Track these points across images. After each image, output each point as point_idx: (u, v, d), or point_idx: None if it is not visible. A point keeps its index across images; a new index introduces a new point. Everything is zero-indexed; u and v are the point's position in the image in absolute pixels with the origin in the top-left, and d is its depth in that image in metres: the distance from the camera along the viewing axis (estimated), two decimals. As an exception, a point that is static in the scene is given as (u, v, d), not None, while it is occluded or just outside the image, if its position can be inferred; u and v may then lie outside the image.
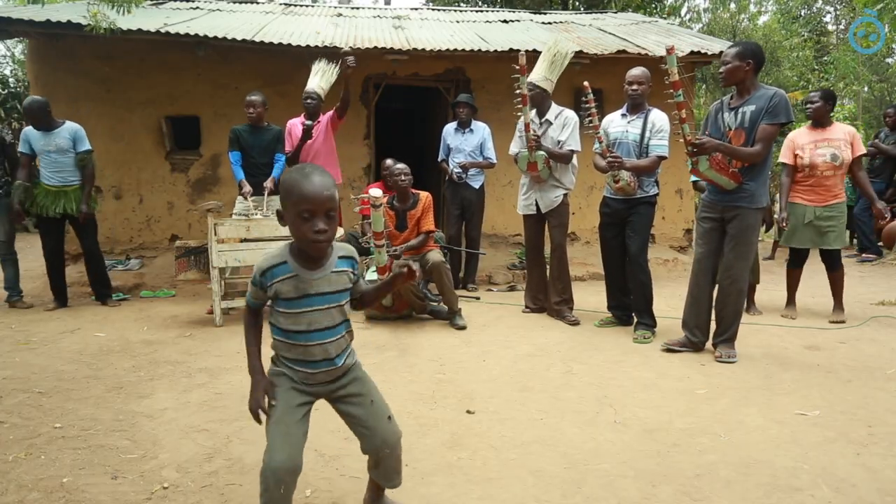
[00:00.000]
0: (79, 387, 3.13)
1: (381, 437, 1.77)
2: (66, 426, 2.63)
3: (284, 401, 1.68)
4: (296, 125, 5.24)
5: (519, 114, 4.42)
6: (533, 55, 4.79)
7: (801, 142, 4.53)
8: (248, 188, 4.89)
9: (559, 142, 4.48)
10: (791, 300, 4.88)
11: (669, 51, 3.51)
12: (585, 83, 4.31)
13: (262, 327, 1.78)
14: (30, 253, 7.41)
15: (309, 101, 5.17)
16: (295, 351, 1.68)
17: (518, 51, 6.33)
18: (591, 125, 4.21)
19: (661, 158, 4.09)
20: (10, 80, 12.46)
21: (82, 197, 4.93)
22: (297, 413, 1.68)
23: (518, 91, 4.33)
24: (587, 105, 4.21)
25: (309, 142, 5.22)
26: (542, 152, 4.40)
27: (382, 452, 1.78)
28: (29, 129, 4.89)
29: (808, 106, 4.53)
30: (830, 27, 20.55)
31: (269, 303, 1.71)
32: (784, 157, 4.60)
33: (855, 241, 8.44)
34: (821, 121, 4.50)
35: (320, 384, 1.74)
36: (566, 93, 6.69)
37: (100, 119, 6.36)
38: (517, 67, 4.28)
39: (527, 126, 4.36)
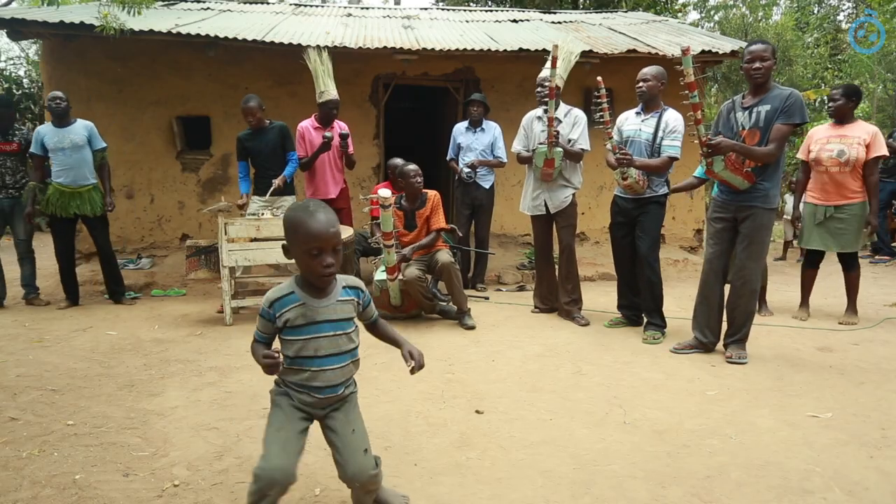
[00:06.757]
0: (91, 384, 3.17)
1: (351, 471, 1.78)
2: (79, 423, 2.66)
3: (286, 413, 1.75)
4: (309, 130, 5.13)
5: (545, 106, 4.37)
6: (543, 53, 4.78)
7: (816, 136, 4.51)
8: (243, 201, 5.00)
9: (570, 140, 4.47)
10: (804, 301, 4.83)
11: (685, 52, 3.46)
12: (599, 78, 4.28)
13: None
14: (43, 252, 7.48)
15: (335, 111, 5.14)
16: (301, 376, 1.75)
17: (528, 50, 6.39)
18: (601, 119, 4.18)
19: (673, 159, 4.05)
20: (25, 80, 12.58)
21: (101, 195, 5.00)
22: (297, 427, 1.76)
23: (547, 83, 4.31)
24: (599, 100, 4.19)
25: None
26: (559, 149, 4.39)
27: (352, 485, 1.81)
28: (41, 128, 4.90)
29: (831, 104, 4.45)
30: (845, 25, 20.31)
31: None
32: (801, 152, 4.58)
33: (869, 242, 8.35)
34: (842, 118, 4.42)
35: (318, 408, 1.79)
36: (575, 92, 6.66)
37: (112, 119, 6.42)
38: (550, 59, 4.28)
39: (550, 120, 4.32)
